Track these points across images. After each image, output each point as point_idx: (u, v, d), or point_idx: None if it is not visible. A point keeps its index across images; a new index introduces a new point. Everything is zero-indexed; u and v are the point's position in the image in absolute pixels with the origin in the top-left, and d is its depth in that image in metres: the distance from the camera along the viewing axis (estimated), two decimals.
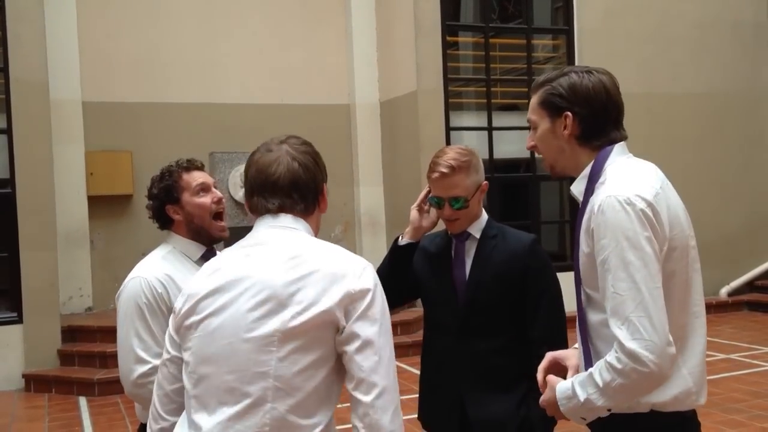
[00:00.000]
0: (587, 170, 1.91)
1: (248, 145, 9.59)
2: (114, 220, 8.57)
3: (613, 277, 1.73)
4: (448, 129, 8.92)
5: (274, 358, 1.56)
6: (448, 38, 9.21)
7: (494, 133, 9.24)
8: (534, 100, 1.99)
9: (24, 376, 7.17)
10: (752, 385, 6.19)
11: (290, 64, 9.36)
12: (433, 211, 2.60)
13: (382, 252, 9.81)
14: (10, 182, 7.21)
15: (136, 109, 8.66)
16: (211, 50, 9.02)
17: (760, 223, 10.04)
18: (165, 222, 2.63)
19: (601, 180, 1.87)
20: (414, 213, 2.61)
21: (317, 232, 1.80)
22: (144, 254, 2.66)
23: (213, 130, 8.67)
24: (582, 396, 1.77)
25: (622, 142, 1.94)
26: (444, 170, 2.46)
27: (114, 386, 6.41)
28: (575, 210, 8.13)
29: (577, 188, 1.94)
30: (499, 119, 9.43)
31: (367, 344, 1.57)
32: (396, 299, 2.65)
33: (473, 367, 2.50)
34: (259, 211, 1.73)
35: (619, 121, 1.95)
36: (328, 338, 1.58)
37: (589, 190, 1.88)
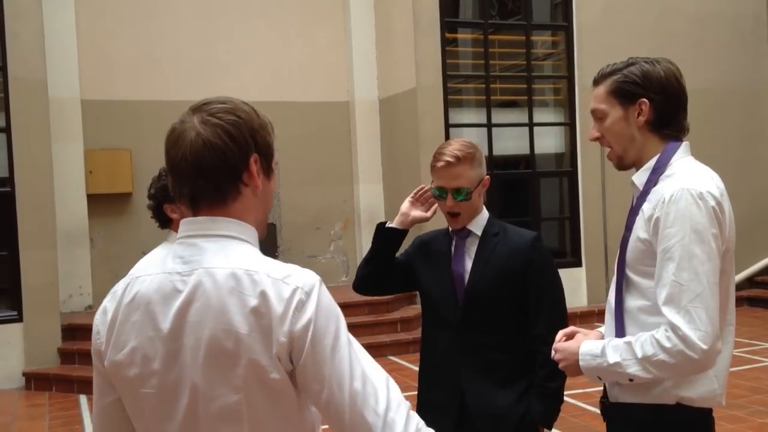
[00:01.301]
0: (652, 162, 1.95)
1: None
2: (113, 218, 8.57)
3: (676, 267, 1.77)
4: (448, 126, 8.91)
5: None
6: (447, 35, 9.20)
7: (494, 129, 9.23)
8: (601, 89, 2.00)
9: (24, 374, 7.18)
10: (752, 380, 6.20)
11: (289, 62, 9.36)
12: (427, 207, 2.62)
13: None
14: (10, 181, 7.21)
15: (135, 107, 8.65)
16: (210, 48, 9.02)
17: (760, 218, 10.04)
18: (164, 221, 2.64)
19: (667, 173, 1.91)
20: (406, 202, 2.63)
21: (262, 216, 1.46)
22: (144, 252, 2.67)
23: None
24: (612, 359, 1.82)
25: (687, 142, 1.98)
26: (449, 159, 2.47)
27: None
28: (574, 206, 8.14)
29: (640, 179, 1.97)
30: (499, 116, 9.42)
31: None
32: (381, 286, 2.65)
33: (473, 362, 2.51)
34: (179, 199, 1.42)
35: (686, 109, 1.99)
36: None
37: (651, 181, 1.93)
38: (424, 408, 2.66)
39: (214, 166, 1.35)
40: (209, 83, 8.93)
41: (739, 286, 9.81)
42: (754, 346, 7.47)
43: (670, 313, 1.76)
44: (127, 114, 8.62)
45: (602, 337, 2.04)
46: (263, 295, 1.29)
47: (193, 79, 8.87)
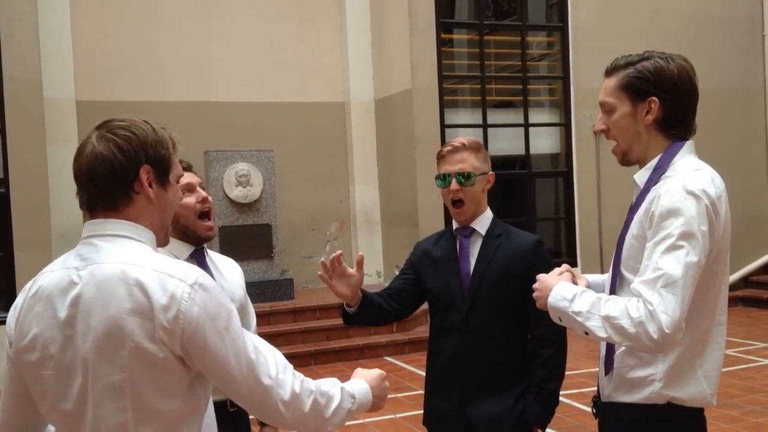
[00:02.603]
0: (654, 162, 1.94)
1: (243, 144, 9.58)
2: None
3: (660, 255, 1.77)
4: (443, 126, 8.92)
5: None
6: (443, 35, 9.21)
7: (489, 130, 9.25)
8: (612, 82, 1.97)
9: None
10: (747, 380, 6.21)
11: (285, 62, 9.36)
12: (343, 270, 2.37)
13: (378, 249, 9.82)
14: (4, 182, 7.19)
15: (131, 108, 8.61)
16: (206, 49, 9.01)
17: (755, 219, 10.07)
18: None
19: (668, 173, 1.90)
20: (340, 290, 2.38)
21: (159, 222, 1.61)
22: None
23: (208, 129, 8.65)
24: (578, 308, 1.82)
25: (691, 141, 1.97)
26: (456, 144, 2.53)
27: None
28: (570, 206, 8.14)
29: (641, 177, 1.96)
30: (494, 116, 9.43)
31: None
32: (399, 313, 2.64)
33: (476, 368, 2.52)
34: (80, 205, 1.60)
35: (696, 110, 1.98)
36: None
37: (652, 180, 1.92)
38: (431, 416, 2.66)
39: (104, 176, 1.53)
40: (205, 84, 8.94)
41: (734, 286, 9.84)
42: (749, 345, 7.49)
43: (644, 291, 1.75)
44: (123, 115, 8.59)
45: (588, 286, 2.04)
46: (146, 287, 1.45)
47: (188, 80, 8.87)
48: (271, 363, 1.53)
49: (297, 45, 9.44)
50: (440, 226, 7.69)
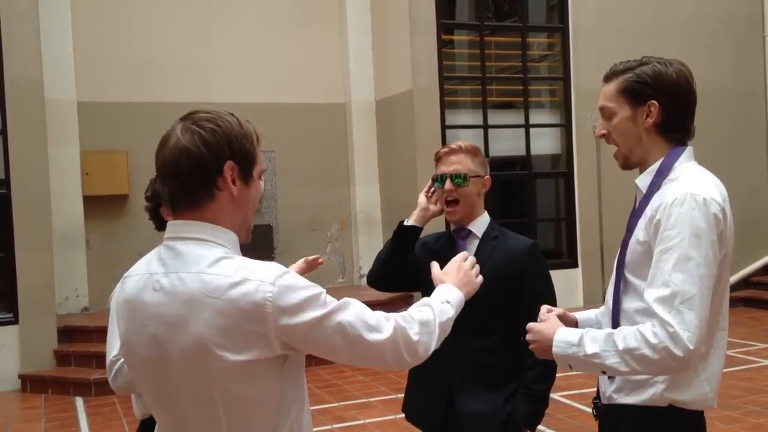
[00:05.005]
0: (656, 165, 1.95)
1: None
2: (110, 220, 8.56)
3: (671, 268, 1.77)
4: (444, 127, 8.92)
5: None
6: (444, 36, 9.22)
7: (490, 131, 9.25)
8: (611, 87, 1.99)
9: (20, 376, 7.16)
10: (747, 381, 6.22)
11: (285, 63, 9.36)
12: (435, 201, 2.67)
13: (378, 250, 9.79)
14: (6, 183, 7.20)
15: (131, 109, 8.65)
16: (206, 49, 9.02)
17: (755, 219, 10.07)
18: (161, 223, 2.64)
19: (670, 177, 1.91)
20: (422, 197, 2.69)
21: (240, 219, 1.58)
22: (141, 255, 2.65)
23: None
24: (591, 350, 1.80)
25: (691, 147, 1.98)
26: (452, 146, 2.61)
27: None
28: (571, 207, 8.12)
29: (643, 181, 1.97)
30: (495, 117, 9.43)
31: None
32: (395, 282, 2.71)
33: (465, 363, 2.55)
34: (163, 200, 1.59)
35: (694, 113, 1.99)
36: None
37: (654, 185, 1.92)
38: (411, 407, 2.69)
39: (189, 171, 1.48)
40: (205, 85, 8.94)
41: (735, 287, 9.83)
42: (749, 346, 7.49)
43: (661, 311, 1.75)
44: (124, 116, 8.62)
45: (577, 323, 2.07)
46: (230, 298, 1.42)
47: (188, 81, 8.88)
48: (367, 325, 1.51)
49: (297, 46, 9.45)
50: (440, 227, 7.68)
